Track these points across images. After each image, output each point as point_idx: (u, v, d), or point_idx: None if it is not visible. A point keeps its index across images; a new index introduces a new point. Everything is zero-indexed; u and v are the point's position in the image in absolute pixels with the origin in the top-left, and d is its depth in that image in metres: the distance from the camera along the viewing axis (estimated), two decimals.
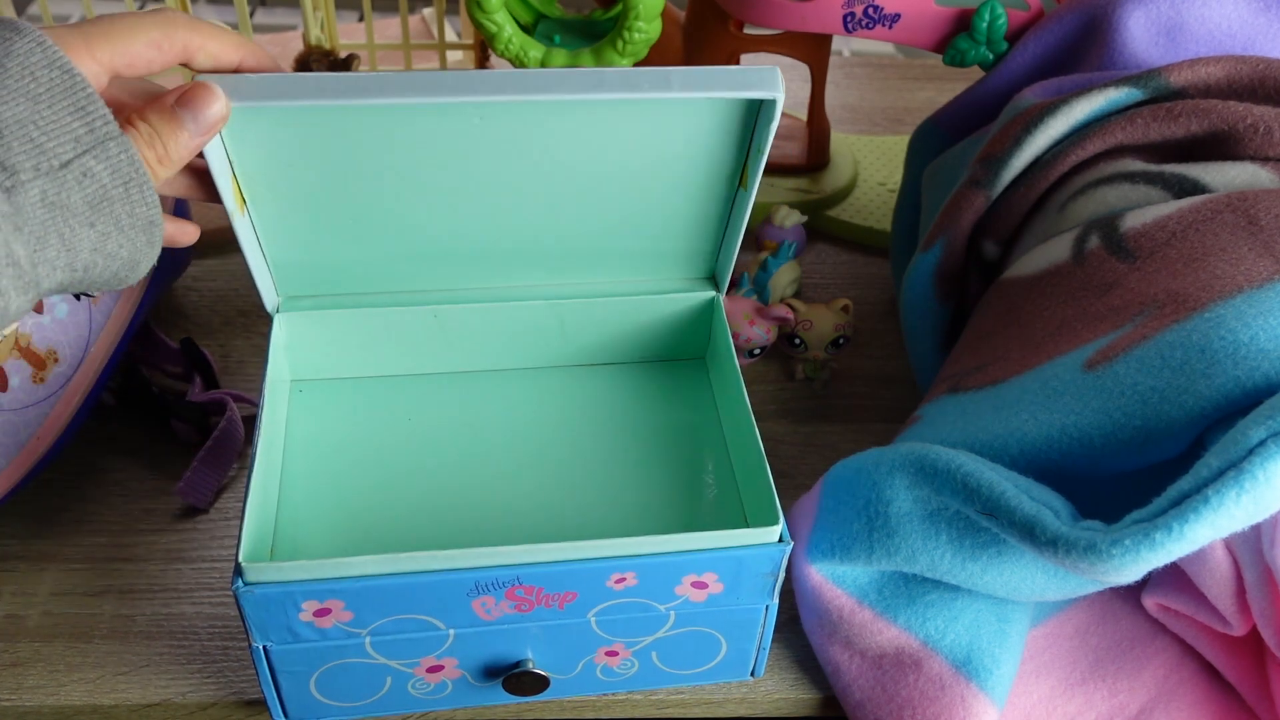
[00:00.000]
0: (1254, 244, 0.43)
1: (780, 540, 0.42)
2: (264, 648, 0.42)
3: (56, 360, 0.50)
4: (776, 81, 0.41)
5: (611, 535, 0.41)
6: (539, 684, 0.45)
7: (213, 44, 0.39)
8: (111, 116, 0.34)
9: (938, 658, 0.45)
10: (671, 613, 0.44)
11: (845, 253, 0.77)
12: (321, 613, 0.41)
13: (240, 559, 0.39)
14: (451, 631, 0.43)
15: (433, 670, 0.45)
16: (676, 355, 0.56)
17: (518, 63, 0.66)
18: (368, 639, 0.43)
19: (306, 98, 0.40)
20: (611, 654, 0.46)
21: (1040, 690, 0.47)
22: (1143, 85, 0.52)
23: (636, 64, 0.67)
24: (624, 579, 0.42)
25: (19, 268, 0.32)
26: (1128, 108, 0.52)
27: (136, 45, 0.37)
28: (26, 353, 0.49)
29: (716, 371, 0.55)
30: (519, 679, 0.45)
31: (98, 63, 0.36)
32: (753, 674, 0.49)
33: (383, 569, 0.39)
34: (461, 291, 0.52)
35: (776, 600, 0.45)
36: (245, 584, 0.39)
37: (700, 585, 0.43)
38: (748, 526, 0.46)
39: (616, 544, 0.41)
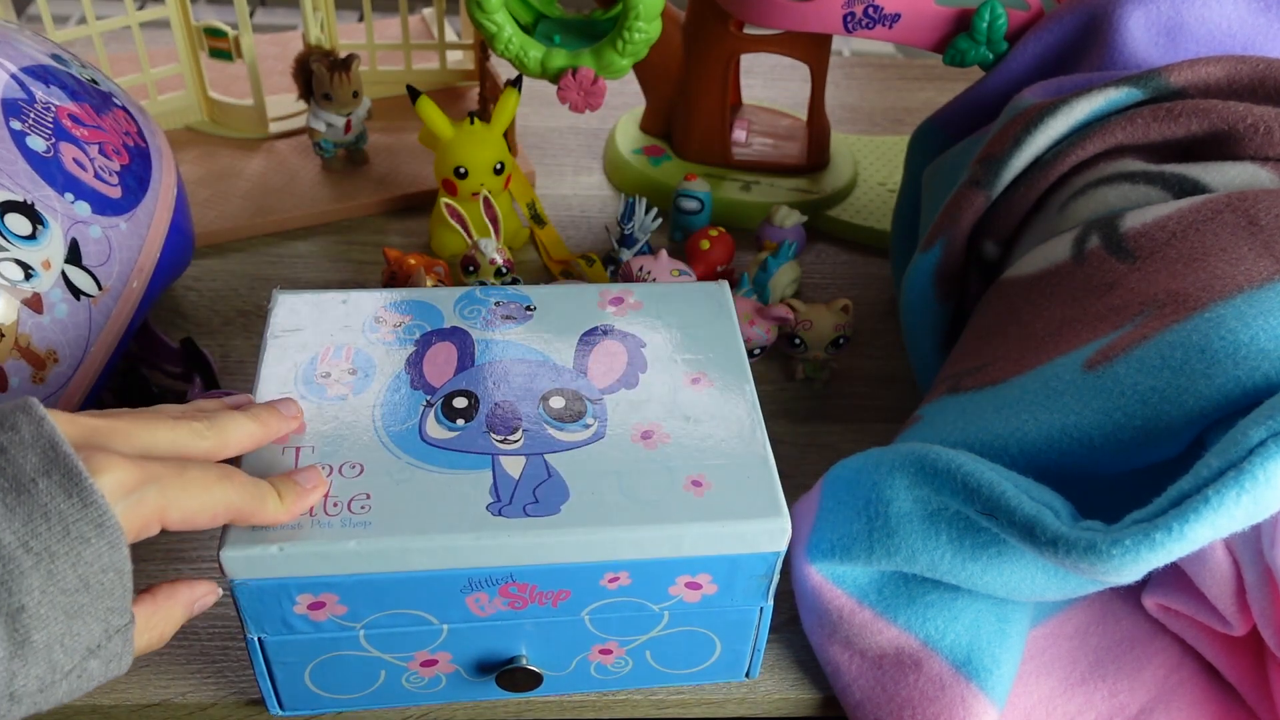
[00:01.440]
0: (1254, 244, 0.43)
1: (783, 533, 0.42)
2: (259, 639, 0.43)
3: (56, 360, 0.50)
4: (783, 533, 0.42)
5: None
6: (532, 680, 0.46)
7: (260, 516, 0.39)
8: (129, 601, 0.35)
9: (938, 658, 0.45)
10: (665, 612, 0.44)
11: (845, 253, 0.77)
12: (315, 606, 0.41)
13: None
14: (445, 627, 0.43)
15: (426, 665, 0.45)
16: None
17: (518, 63, 0.66)
18: (361, 632, 0.43)
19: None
20: (605, 652, 0.46)
21: (1040, 690, 0.47)
22: (1143, 85, 0.52)
23: (636, 64, 0.67)
24: (618, 578, 0.42)
25: None
26: (1128, 108, 0.52)
27: (200, 520, 0.37)
28: (26, 353, 0.49)
29: None
30: (512, 675, 0.45)
31: (158, 524, 0.36)
32: (747, 675, 0.49)
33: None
34: None
35: (771, 602, 0.45)
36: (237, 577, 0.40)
37: (694, 586, 0.43)
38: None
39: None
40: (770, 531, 0.42)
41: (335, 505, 0.41)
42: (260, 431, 0.41)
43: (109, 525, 0.33)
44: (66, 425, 0.35)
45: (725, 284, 0.53)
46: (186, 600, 0.39)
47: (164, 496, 0.35)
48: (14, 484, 0.32)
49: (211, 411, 0.41)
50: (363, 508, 0.41)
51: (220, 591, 0.41)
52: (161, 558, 0.53)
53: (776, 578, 0.44)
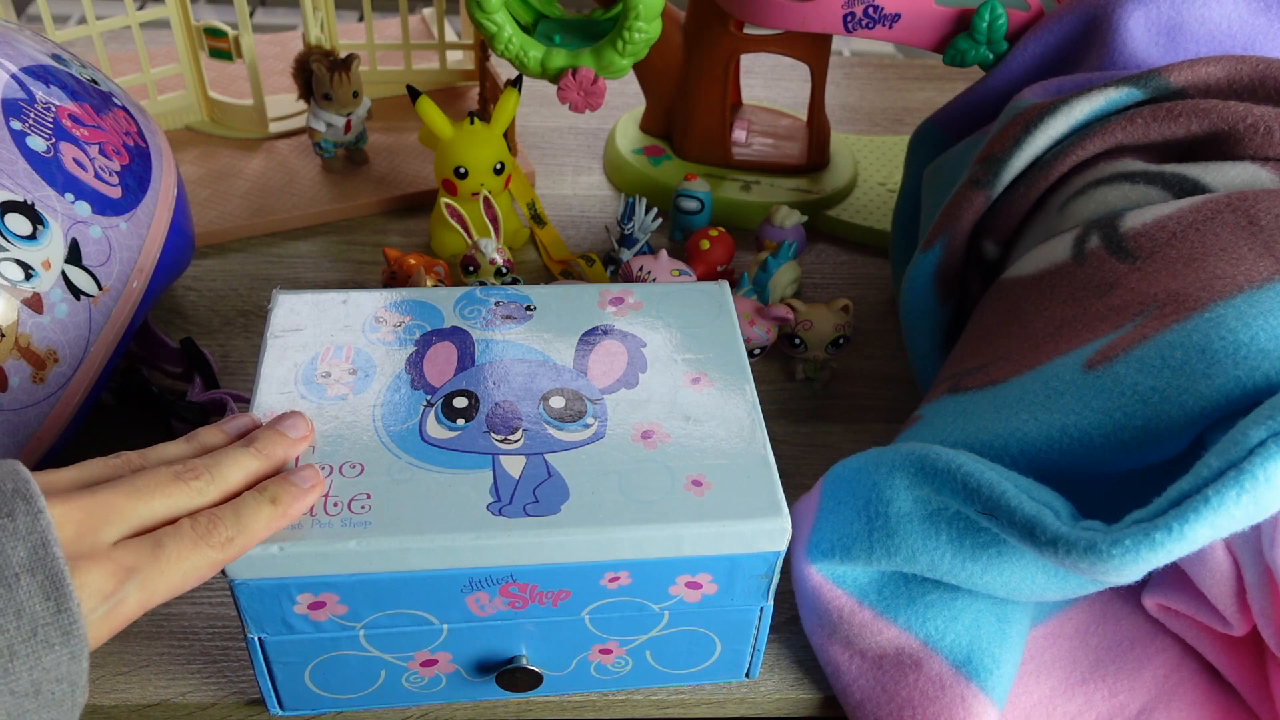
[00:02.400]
0: (1254, 244, 0.43)
1: (783, 533, 0.42)
2: (259, 639, 0.43)
3: (56, 360, 0.50)
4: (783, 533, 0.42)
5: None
6: (532, 680, 0.46)
7: (252, 540, 0.39)
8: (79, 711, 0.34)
9: (938, 658, 0.45)
10: (665, 612, 0.44)
11: (845, 253, 0.77)
12: (316, 605, 0.41)
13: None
14: (445, 626, 0.43)
15: (426, 664, 0.45)
16: None
17: (518, 63, 0.66)
18: (362, 632, 0.43)
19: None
20: (605, 652, 0.46)
21: (1040, 690, 0.47)
22: (1143, 85, 0.52)
23: (636, 64, 0.67)
24: (618, 578, 0.42)
25: None
26: (1128, 108, 0.52)
27: (188, 586, 0.37)
28: (26, 353, 0.49)
29: None
30: (512, 675, 0.45)
31: (142, 613, 0.36)
32: (747, 675, 0.49)
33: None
34: None
35: (771, 602, 0.45)
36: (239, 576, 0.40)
37: (694, 586, 0.43)
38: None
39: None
40: (770, 531, 0.42)
41: (335, 505, 0.41)
42: (265, 466, 0.41)
43: (76, 636, 0.33)
44: (63, 510, 0.34)
45: (725, 284, 0.53)
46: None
47: (144, 590, 0.35)
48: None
49: (212, 450, 0.40)
50: (363, 507, 0.41)
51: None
52: None
53: (777, 578, 0.44)
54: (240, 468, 0.40)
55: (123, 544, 0.36)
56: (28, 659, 0.32)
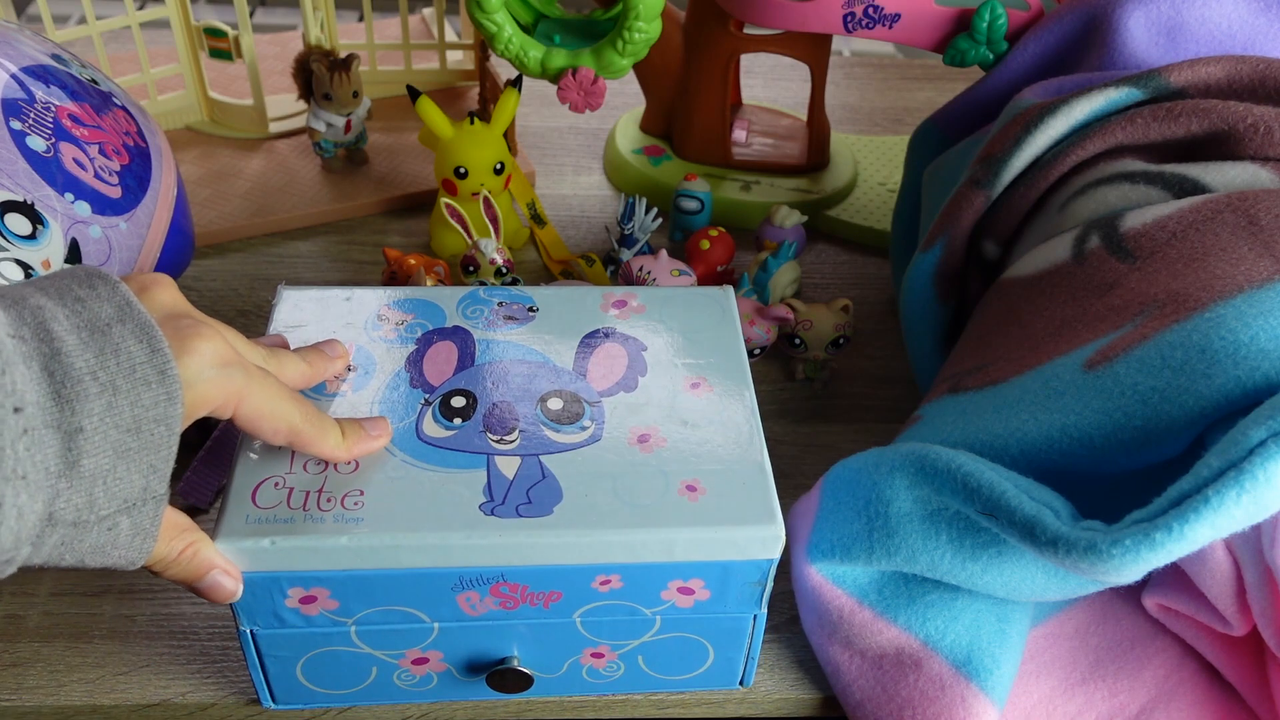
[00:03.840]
0: (1254, 244, 0.43)
1: (777, 539, 0.42)
2: (251, 631, 0.43)
3: None
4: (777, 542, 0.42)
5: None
6: (522, 682, 0.45)
7: (319, 447, 0.42)
8: (168, 476, 0.36)
9: (938, 658, 0.45)
10: (658, 617, 0.44)
11: (845, 253, 0.77)
12: (307, 600, 0.41)
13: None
14: (436, 625, 0.43)
15: (418, 662, 0.45)
16: None
17: (518, 63, 0.66)
18: (353, 628, 0.43)
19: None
20: (597, 655, 0.46)
21: (1040, 690, 0.47)
22: (1143, 85, 0.52)
23: (636, 64, 0.67)
24: (609, 581, 0.42)
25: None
26: (1128, 108, 0.52)
27: (265, 424, 0.40)
28: None
29: None
30: (502, 676, 0.45)
31: (232, 408, 0.38)
32: (741, 683, 0.49)
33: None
34: None
35: (765, 610, 0.45)
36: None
37: (687, 591, 0.43)
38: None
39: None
40: (764, 539, 0.41)
41: (329, 500, 0.41)
42: (309, 372, 0.44)
43: (170, 376, 0.34)
44: (166, 293, 0.38)
45: (729, 289, 0.53)
46: (217, 554, 0.39)
47: (248, 385, 0.38)
48: (90, 325, 0.34)
49: (269, 340, 0.43)
50: (356, 504, 0.41)
51: (239, 592, 0.40)
52: None
53: (770, 585, 0.44)
54: (292, 363, 0.43)
55: None
56: (129, 394, 0.33)
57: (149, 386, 0.34)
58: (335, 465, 0.42)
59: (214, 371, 0.36)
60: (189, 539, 0.38)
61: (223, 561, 0.39)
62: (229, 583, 0.40)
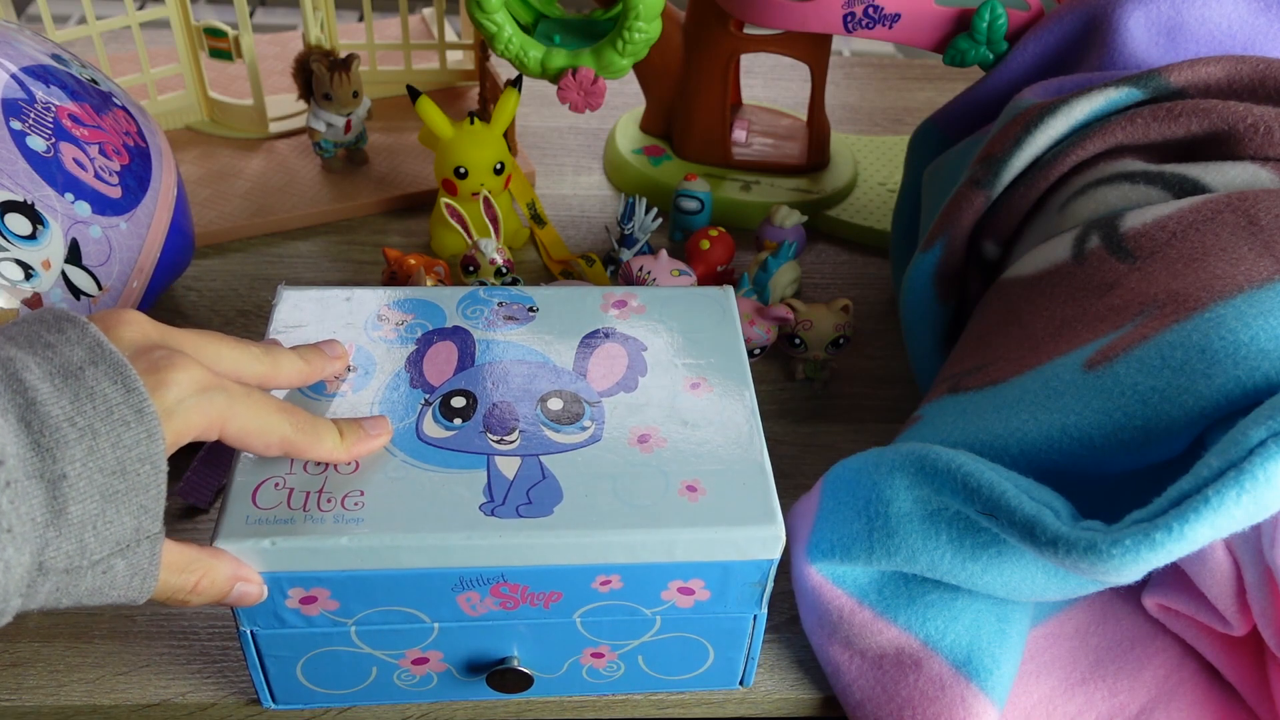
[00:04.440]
0: (1254, 244, 0.43)
1: (777, 539, 0.42)
2: (251, 632, 0.43)
3: None
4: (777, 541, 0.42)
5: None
6: (523, 682, 0.45)
7: (316, 452, 0.42)
8: (161, 513, 0.36)
9: (938, 658, 0.45)
10: (658, 617, 0.44)
11: (845, 253, 0.77)
12: (307, 600, 0.41)
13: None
14: (436, 625, 0.43)
15: (418, 662, 0.45)
16: None
17: (518, 63, 0.66)
18: (353, 628, 0.43)
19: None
20: (597, 655, 0.46)
21: (1040, 690, 0.47)
22: (1143, 85, 0.52)
23: (636, 64, 0.67)
24: (609, 582, 0.42)
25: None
26: (1128, 108, 0.52)
27: (255, 441, 0.40)
28: None
29: None
30: (502, 676, 0.45)
31: (218, 430, 0.38)
32: (741, 683, 0.49)
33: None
34: None
35: (765, 610, 0.45)
36: None
37: (687, 591, 0.43)
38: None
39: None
40: (764, 539, 0.41)
41: (329, 501, 0.41)
42: (307, 370, 0.44)
43: (148, 414, 0.34)
44: (134, 328, 0.37)
45: (730, 289, 0.53)
46: (231, 570, 0.39)
47: (230, 406, 0.38)
48: (62, 370, 0.34)
49: (264, 343, 0.43)
50: (356, 504, 0.41)
51: (265, 592, 0.40)
52: None
53: (770, 586, 0.44)
54: (289, 361, 0.43)
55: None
56: (109, 436, 0.33)
57: (128, 426, 0.34)
58: (335, 466, 0.42)
59: (193, 399, 0.36)
60: (198, 570, 0.38)
61: (238, 572, 0.39)
62: (253, 589, 0.40)
